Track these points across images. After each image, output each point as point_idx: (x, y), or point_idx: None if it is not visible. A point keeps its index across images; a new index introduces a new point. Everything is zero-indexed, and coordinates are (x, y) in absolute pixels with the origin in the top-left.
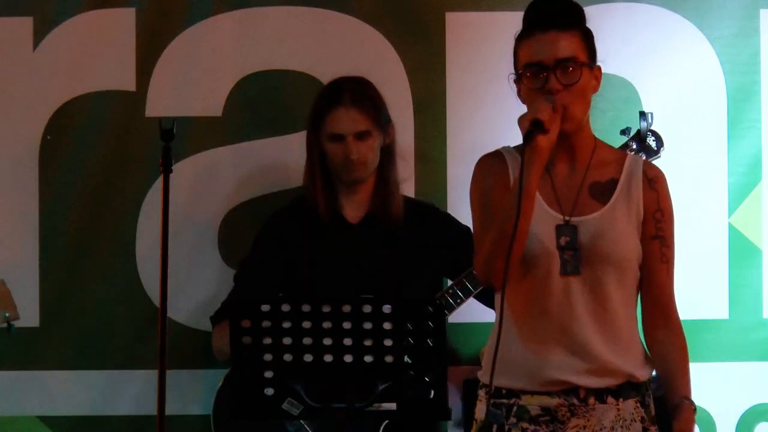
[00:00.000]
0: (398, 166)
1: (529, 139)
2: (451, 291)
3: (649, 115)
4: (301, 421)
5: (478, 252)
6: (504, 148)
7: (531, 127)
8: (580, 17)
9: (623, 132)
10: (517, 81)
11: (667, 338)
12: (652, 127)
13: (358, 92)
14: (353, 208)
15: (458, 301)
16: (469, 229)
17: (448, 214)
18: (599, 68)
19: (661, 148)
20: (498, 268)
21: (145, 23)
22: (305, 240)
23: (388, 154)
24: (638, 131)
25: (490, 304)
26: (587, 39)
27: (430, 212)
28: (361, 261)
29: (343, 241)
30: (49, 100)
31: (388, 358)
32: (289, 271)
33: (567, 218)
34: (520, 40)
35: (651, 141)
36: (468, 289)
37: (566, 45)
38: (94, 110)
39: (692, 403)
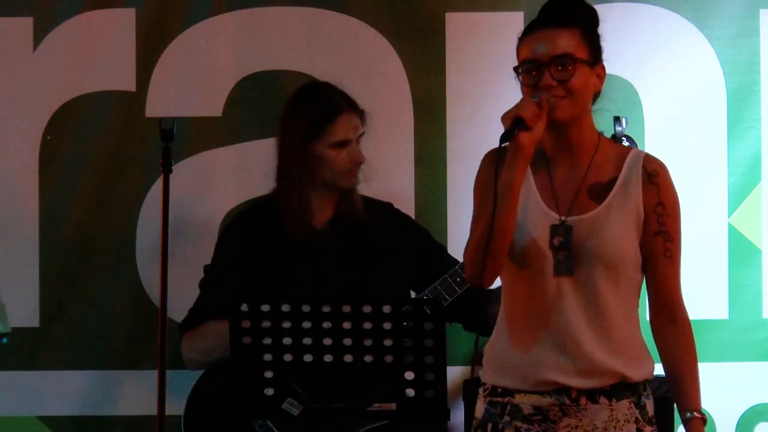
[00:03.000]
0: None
1: (510, 136)
2: (438, 288)
3: (624, 119)
4: (268, 421)
5: (467, 248)
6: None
7: (512, 124)
8: (585, 16)
9: None
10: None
11: (674, 338)
12: (627, 132)
13: (346, 96)
14: (319, 212)
15: (443, 301)
16: (428, 232)
17: (407, 215)
18: (602, 67)
19: None
20: (481, 265)
21: (145, 23)
22: (270, 245)
23: None
24: (613, 136)
25: (467, 324)
26: (589, 37)
27: (390, 212)
28: (328, 265)
29: (309, 246)
30: (49, 100)
31: (388, 358)
32: (254, 277)
33: (563, 218)
34: (521, 36)
35: (625, 145)
36: (454, 289)
37: (564, 42)
38: (94, 110)
39: (702, 415)
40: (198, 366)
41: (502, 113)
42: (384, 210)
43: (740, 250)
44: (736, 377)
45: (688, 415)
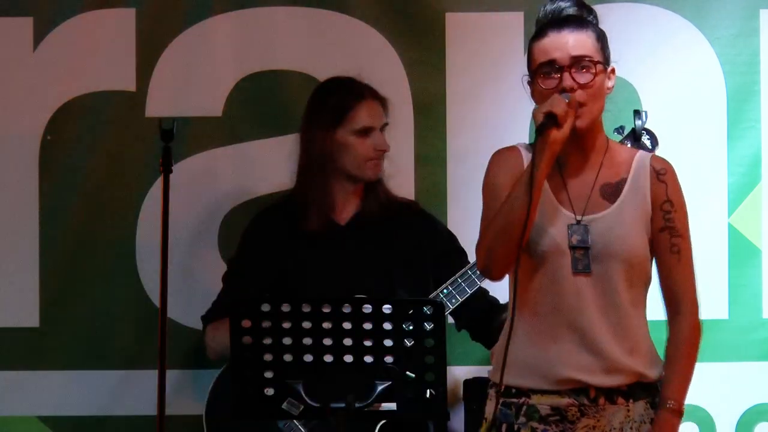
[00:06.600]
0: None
1: (542, 132)
2: (446, 291)
3: (644, 113)
4: (295, 421)
5: (482, 240)
6: (520, 143)
7: (545, 119)
8: (593, 17)
9: (617, 130)
10: (531, 82)
11: (676, 329)
12: (647, 126)
13: (368, 86)
14: (342, 209)
15: (454, 301)
16: (450, 232)
17: (431, 215)
18: (613, 70)
19: (656, 147)
20: (498, 256)
21: (145, 23)
22: (293, 240)
23: None
24: (633, 129)
25: (474, 333)
26: (601, 40)
27: (414, 211)
28: (351, 261)
29: (332, 242)
30: (49, 100)
31: (388, 359)
32: (277, 271)
33: (579, 218)
34: (533, 40)
35: (646, 139)
36: (464, 289)
37: (581, 44)
38: (94, 110)
39: (679, 407)
40: (220, 356)
41: (501, 113)
42: (408, 208)
43: (740, 250)
44: (736, 377)
45: (668, 404)
